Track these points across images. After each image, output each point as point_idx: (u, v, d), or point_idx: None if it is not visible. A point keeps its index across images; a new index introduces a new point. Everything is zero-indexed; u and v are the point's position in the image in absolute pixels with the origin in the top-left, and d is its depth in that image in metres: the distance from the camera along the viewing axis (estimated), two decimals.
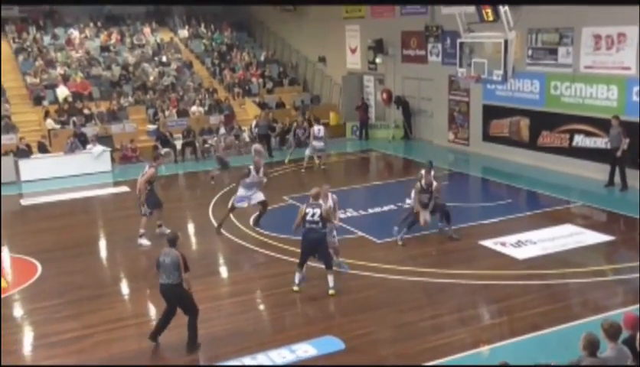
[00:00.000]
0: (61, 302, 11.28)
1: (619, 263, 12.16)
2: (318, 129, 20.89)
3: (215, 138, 23.59)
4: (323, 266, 11.26)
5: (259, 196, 14.76)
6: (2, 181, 19.84)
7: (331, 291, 11.07)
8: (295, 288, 11.23)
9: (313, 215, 10.89)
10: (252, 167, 14.64)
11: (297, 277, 11.30)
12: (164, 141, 23.10)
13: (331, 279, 11.11)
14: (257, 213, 15.05)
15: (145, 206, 14.19)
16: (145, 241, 14.13)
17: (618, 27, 17.05)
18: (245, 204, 14.75)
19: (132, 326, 10.32)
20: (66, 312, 10.87)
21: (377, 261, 12.44)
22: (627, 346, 6.59)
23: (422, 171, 13.66)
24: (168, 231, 13.15)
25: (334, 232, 12.04)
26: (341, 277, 11.73)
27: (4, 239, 14.50)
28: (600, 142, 17.86)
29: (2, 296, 11.50)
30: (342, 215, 14.87)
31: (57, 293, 11.65)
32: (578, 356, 6.49)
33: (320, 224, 10.89)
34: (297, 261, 11.48)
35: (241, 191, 14.63)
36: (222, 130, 24.28)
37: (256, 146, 17.35)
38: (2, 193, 18.79)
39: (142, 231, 14.17)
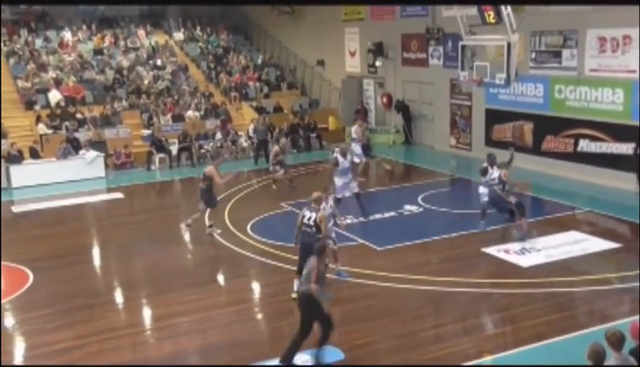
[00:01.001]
0: (53, 311, 11.11)
1: (625, 271, 11.93)
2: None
3: (211, 144, 23.32)
4: None
5: (355, 187, 15.26)
6: None
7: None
8: (294, 295, 10.86)
9: (309, 219, 10.75)
10: (337, 154, 15.11)
11: (296, 285, 10.99)
12: (159, 146, 22.88)
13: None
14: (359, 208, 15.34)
15: (201, 203, 14.83)
16: (185, 230, 14.82)
17: (623, 30, 16.88)
18: (347, 193, 15.20)
19: (124, 337, 10.13)
20: (58, 322, 10.70)
21: (378, 269, 12.26)
22: (634, 357, 6.43)
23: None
24: (219, 230, 14.58)
25: (333, 234, 11.85)
26: (340, 285, 11.54)
27: None
28: (606, 147, 17.66)
29: None
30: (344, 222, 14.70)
31: (48, 303, 11.49)
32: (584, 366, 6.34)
33: (314, 229, 10.67)
34: (293, 268, 11.28)
35: (338, 181, 14.93)
36: (218, 135, 24.03)
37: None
38: None
39: (189, 221, 14.79)
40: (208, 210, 15.23)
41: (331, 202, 11.90)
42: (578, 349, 6.62)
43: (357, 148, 18.63)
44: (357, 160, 17.97)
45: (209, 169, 15.00)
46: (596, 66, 17.75)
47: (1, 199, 19.00)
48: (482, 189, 14.36)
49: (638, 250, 12.83)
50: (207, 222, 15.16)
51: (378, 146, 24.51)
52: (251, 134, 24.16)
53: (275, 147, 19.44)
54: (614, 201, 16.39)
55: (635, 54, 16.68)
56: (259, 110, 26.53)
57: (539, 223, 14.82)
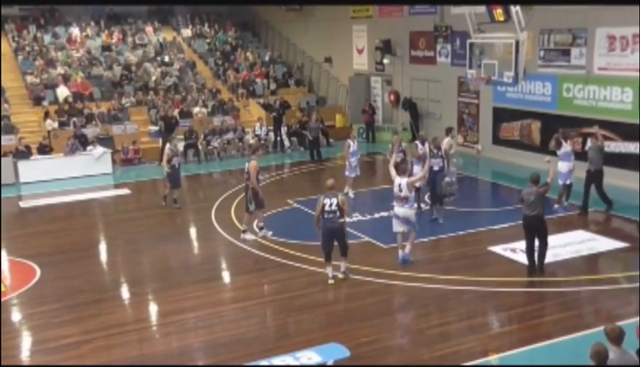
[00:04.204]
0: (60, 306, 11.11)
1: (633, 271, 11.85)
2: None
3: (219, 140, 23.31)
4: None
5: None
6: (1, 183, 19.63)
7: (340, 275, 11.64)
8: (331, 282, 11.55)
9: (331, 205, 11.27)
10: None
11: (329, 271, 11.62)
12: (169, 125, 22.56)
13: (343, 265, 11.66)
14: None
15: (252, 203, 14.05)
16: (249, 236, 14.14)
17: (633, 28, 16.78)
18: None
19: (132, 332, 10.16)
20: (65, 317, 10.70)
21: (384, 267, 12.23)
22: None
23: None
24: (270, 233, 14.14)
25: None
26: (346, 283, 11.63)
27: (2, 242, 14.34)
28: (614, 146, 17.55)
29: (1, 300, 11.31)
30: (348, 220, 14.63)
31: (55, 298, 11.49)
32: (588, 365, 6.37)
33: (337, 213, 11.28)
34: (300, 265, 11.78)
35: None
36: (231, 134, 24.04)
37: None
38: (1, 195, 18.60)
39: (245, 227, 14.22)
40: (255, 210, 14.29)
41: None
42: (584, 349, 6.56)
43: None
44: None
45: (250, 164, 14.05)
46: (605, 64, 17.66)
47: (9, 195, 19.05)
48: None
49: None
50: (256, 224, 14.51)
51: (385, 144, 24.50)
52: (308, 133, 23.76)
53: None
54: (622, 200, 16.24)
55: None
56: (266, 107, 26.51)
57: (547, 222, 14.72)
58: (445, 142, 16.18)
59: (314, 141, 22.83)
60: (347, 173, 17.53)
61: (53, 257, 13.65)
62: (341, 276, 11.64)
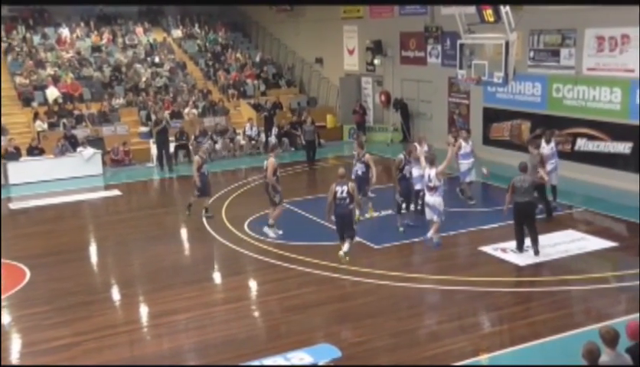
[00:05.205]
0: (50, 309, 11.06)
1: (622, 270, 11.96)
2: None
3: (209, 142, 23.28)
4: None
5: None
6: None
7: (340, 253, 12.39)
8: (341, 254, 12.47)
9: (342, 192, 12.24)
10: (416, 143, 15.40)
11: (346, 246, 12.51)
12: (161, 130, 22.19)
13: (347, 246, 12.43)
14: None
15: (277, 195, 14.22)
16: (272, 233, 14.19)
17: (621, 29, 16.88)
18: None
19: (123, 334, 10.10)
20: (56, 319, 10.65)
21: (375, 267, 12.25)
22: (631, 355, 6.46)
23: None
24: (280, 232, 14.18)
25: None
26: (338, 284, 11.66)
27: None
28: (603, 146, 17.68)
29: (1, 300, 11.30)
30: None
31: (46, 300, 11.43)
32: (579, 365, 6.38)
33: (347, 200, 12.24)
34: (291, 266, 12.34)
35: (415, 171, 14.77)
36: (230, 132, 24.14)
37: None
38: None
39: (272, 221, 14.27)
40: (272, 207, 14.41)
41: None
42: (574, 348, 6.62)
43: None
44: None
45: (269, 161, 14.26)
46: (594, 65, 17.74)
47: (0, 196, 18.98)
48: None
49: (634, 249, 12.85)
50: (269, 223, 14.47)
51: (376, 144, 24.56)
52: (302, 136, 23.76)
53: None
54: (611, 200, 16.36)
55: (633, 53, 16.68)
56: (257, 107, 26.50)
57: (536, 222, 14.79)
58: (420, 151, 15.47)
59: (309, 144, 22.69)
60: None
61: (44, 259, 13.58)
62: (341, 253, 12.39)
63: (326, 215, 12.67)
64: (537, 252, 12.47)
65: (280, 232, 14.29)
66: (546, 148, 15.21)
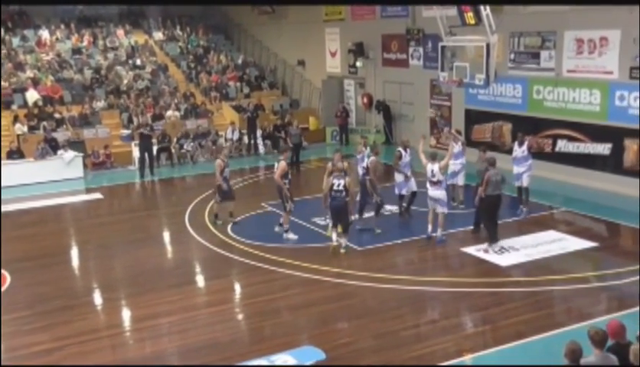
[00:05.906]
0: (31, 313, 10.94)
1: (603, 270, 12.06)
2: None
3: (192, 144, 23.14)
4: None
5: (414, 186, 15.24)
6: None
7: (342, 250, 13.04)
8: (335, 244, 13.13)
9: (339, 185, 12.78)
10: (400, 148, 15.32)
11: (334, 236, 13.20)
12: (145, 136, 21.80)
13: (344, 241, 13.07)
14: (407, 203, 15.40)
15: (289, 202, 14.05)
16: (292, 236, 14.14)
17: (600, 31, 17.04)
18: (404, 191, 15.28)
19: (105, 338, 10.02)
20: (37, 324, 10.53)
21: (359, 269, 12.25)
22: (613, 354, 6.49)
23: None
24: (294, 236, 14.08)
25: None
26: (322, 286, 11.64)
27: None
28: (583, 147, 17.85)
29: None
30: (322, 222, 14.86)
31: (26, 305, 11.30)
32: (562, 364, 6.41)
33: (343, 193, 12.76)
34: (274, 268, 12.36)
35: (398, 177, 15.21)
36: (229, 133, 24.13)
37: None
38: None
39: (286, 226, 14.24)
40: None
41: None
42: (557, 347, 6.65)
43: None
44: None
45: (280, 164, 14.10)
46: (574, 67, 17.89)
47: None
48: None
49: (614, 249, 13.04)
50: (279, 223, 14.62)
51: (359, 146, 24.55)
52: (289, 140, 23.51)
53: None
54: (591, 201, 16.51)
55: (611, 56, 16.84)
56: (239, 109, 26.43)
57: (518, 223, 14.93)
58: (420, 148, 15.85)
59: (296, 147, 22.47)
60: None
61: (24, 263, 13.43)
62: (342, 251, 12.98)
63: (322, 203, 13.43)
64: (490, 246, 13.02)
65: (296, 237, 14.23)
66: (518, 151, 15.42)
